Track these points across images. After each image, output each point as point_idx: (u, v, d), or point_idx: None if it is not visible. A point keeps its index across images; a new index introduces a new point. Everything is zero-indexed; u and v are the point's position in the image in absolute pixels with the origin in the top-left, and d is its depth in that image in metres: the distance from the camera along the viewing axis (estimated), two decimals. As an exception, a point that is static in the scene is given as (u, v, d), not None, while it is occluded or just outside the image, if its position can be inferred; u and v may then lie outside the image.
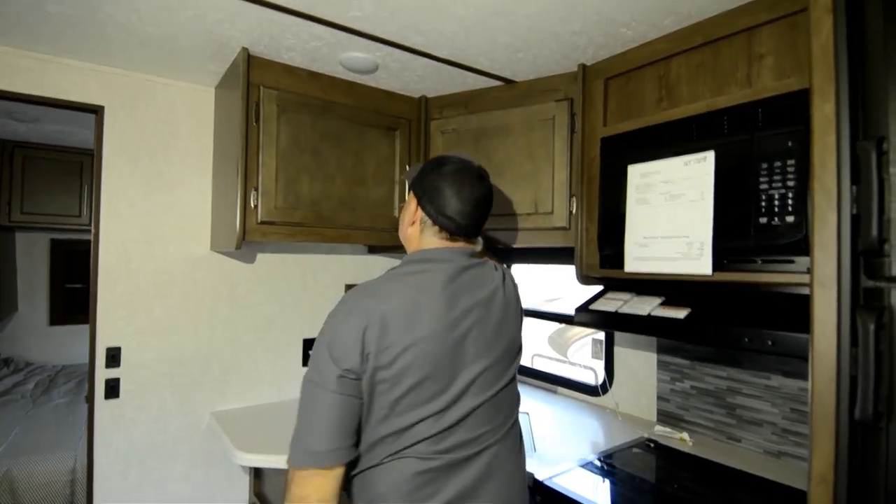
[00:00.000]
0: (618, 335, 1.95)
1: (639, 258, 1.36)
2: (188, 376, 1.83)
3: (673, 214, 1.27)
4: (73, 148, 3.03)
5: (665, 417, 1.78)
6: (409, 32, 1.38)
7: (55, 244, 3.67)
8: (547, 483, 1.31)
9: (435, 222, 1.02)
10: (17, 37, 1.45)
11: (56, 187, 3.05)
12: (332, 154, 1.70)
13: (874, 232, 0.65)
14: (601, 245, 1.49)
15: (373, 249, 2.24)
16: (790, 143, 1.05)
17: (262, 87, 1.56)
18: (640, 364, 1.85)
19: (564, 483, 1.31)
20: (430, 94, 1.89)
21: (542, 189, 1.67)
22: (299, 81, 1.64)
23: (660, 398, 1.80)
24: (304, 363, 2.09)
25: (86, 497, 1.70)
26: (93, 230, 1.69)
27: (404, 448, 0.89)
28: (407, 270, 0.99)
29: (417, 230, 1.05)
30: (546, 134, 1.66)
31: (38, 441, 2.32)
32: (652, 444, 1.60)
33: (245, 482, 1.96)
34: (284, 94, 1.60)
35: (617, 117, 1.49)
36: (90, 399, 1.68)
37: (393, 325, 0.88)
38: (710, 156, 1.20)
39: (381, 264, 2.27)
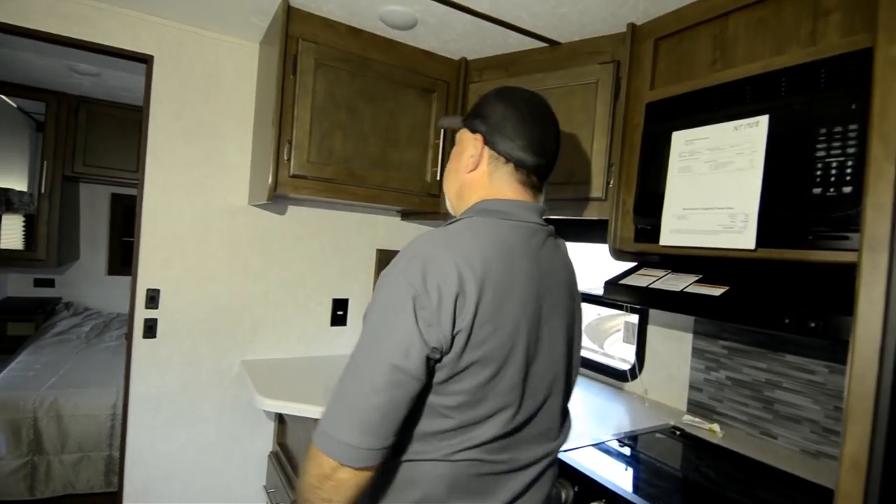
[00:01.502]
0: (652, 319, 1.86)
1: (676, 231, 1.28)
2: (221, 324, 1.90)
3: (717, 184, 1.18)
4: (132, 105, 3.17)
5: (695, 407, 1.68)
6: (447, -18, 1.34)
7: (115, 198, 3.90)
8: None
9: (510, 159, 0.85)
10: (75, -17, 1.51)
11: (116, 142, 3.22)
12: (366, 112, 1.69)
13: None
14: (637, 217, 1.41)
15: (405, 216, 2.23)
16: (853, 106, 0.93)
17: (300, 40, 1.56)
18: (673, 350, 1.76)
19: (575, 457, 1.26)
20: (471, 57, 1.83)
21: (579, 157, 1.59)
22: (338, 36, 1.63)
23: (692, 387, 1.71)
24: (333, 322, 2.13)
25: (121, 433, 1.80)
26: (139, 174, 1.76)
27: (472, 447, 0.75)
28: (487, 222, 0.81)
29: (484, 173, 0.88)
30: (588, 99, 1.57)
31: (86, 377, 2.50)
32: (678, 432, 1.52)
33: (270, 430, 2.03)
34: (322, 48, 1.60)
35: (665, 81, 1.39)
36: (129, 336, 1.77)
37: (490, 291, 0.72)
38: (763, 120, 1.09)
39: (413, 231, 2.26)
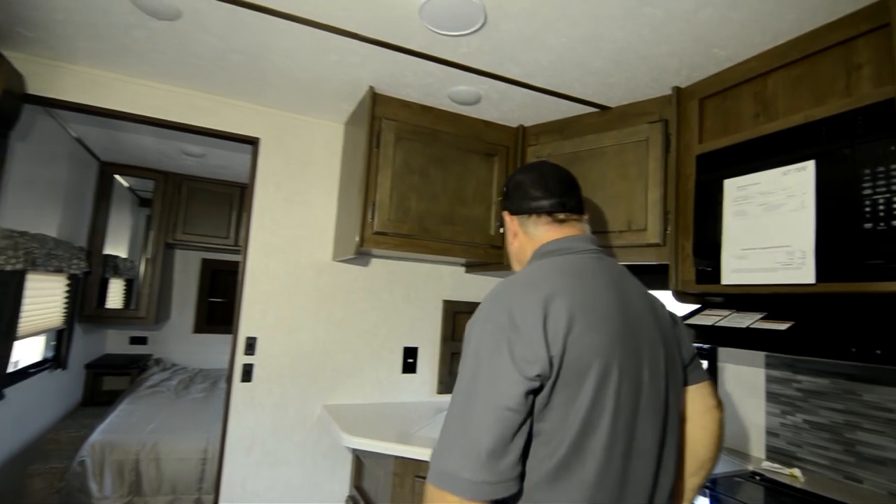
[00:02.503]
0: (722, 369, 1.86)
1: (737, 270, 1.35)
2: (306, 369, 2.08)
3: (772, 224, 1.27)
4: (226, 181, 3.63)
5: (774, 454, 1.65)
6: (508, 64, 1.56)
7: (205, 263, 4.33)
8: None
9: (536, 211, 0.98)
10: (200, 81, 1.87)
11: (210, 213, 3.66)
12: (437, 176, 1.91)
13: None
14: (697, 259, 1.50)
15: (469, 268, 2.39)
16: (893, 148, 1.03)
17: (382, 119, 1.83)
18: (745, 396, 1.76)
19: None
20: (528, 123, 2.05)
21: (636, 207, 1.72)
22: (413, 114, 1.90)
23: (769, 433, 1.68)
24: (404, 370, 2.26)
25: (216, 470, 1.97)
26: (244, 235, 2.04)
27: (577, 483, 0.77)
28: (552, 261, 0.91)
29: (525, 236, 1.01)
30: (640, 154, 1.72)
31: (180, 424, 2.73)
32: (758, 477, 1.50)
33: (347, 474, 2.13)
34: (401, 125, 1.86)
35: (712, 134, 1.52)
36: (228, 381, 1.98)
37: (575, 310, 0.78)
38: (809, 165, 1.19)
39: (476, 283, 2.41)
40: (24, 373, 2.44)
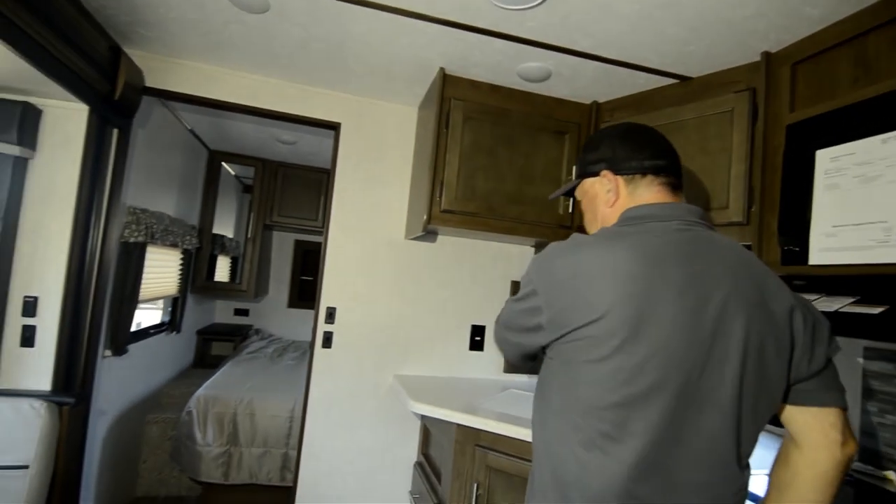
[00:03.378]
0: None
1: (826, 249, 1.24)
2: (380, 341, 2.22)
3: (868, 199, 1.14)
4: (315, 167, 3.90)
5: (869, 456, 1.49)
6: (577, 36, 1.53)
7: (297, 243, 4.69)
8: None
9: (646, 171, 0.90)
10: (288, 70, 2.03)
11: (301, 197, 3.96)
12: (504, 155, 1.92)
13: None
14: (783, 239, 1.38)
15: (538, 249, 2.38)
16: None
17: (452, 100, 1.87)
18: (839, 390, 1.59)
19: None
20: (601, 99, 1.99)
21: (717, 183, 1.61)
22: (482, 94, 1.92)
23: (863, 432, 1.52)
24: (471, 347, 2.32)
25: (299, 429, 2.17)
26: (326, 215, 2.21)
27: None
28: (628, 230, 0.85)
29: (625, 196, 0.92)
30: (722, 127, 1.61)
31: (272, 386, 3.01)
32: (847, 478, 1.37)
33: (415, 441, 2.24)
34: (469, 105, 1.89)
35: (805, 102, 1.39)
36: (311, 345, 2.16)
37: (620, 299, 0.76)
38: (915, 129, 1.06)
39: (547, 264, 2.40)
40: (146, 333, 2.83)
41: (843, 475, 0.84)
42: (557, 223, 1.97)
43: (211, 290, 3.89)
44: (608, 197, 0.94)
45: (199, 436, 2.63)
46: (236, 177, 4.30)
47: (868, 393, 1.52)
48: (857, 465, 1.45)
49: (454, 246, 2.32)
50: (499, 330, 1.01)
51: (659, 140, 0.95)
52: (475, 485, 1.65)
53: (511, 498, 1.63)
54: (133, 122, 1.98)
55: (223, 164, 3.79)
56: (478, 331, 2.33)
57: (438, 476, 1.90)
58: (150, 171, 2.54)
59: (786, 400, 0.85)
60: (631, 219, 0.88)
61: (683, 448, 0.77)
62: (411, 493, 2.12)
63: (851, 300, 1.21)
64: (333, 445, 2.15)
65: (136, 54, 1.92)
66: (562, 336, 0.81)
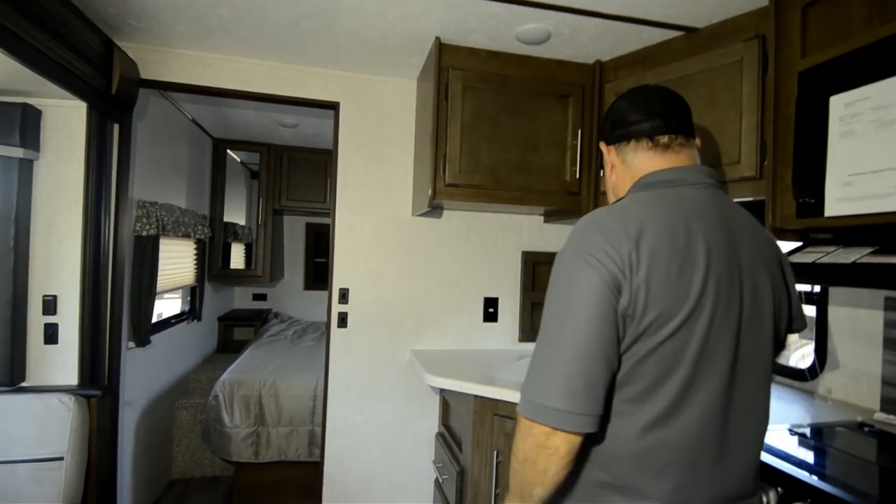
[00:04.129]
0: (834, 311, 1.67)
1: (842, 199, 1.20)
2: (394, 317, 2.23)
3: (885, 144, 1.09)
4: (319, 149, 3.87)
5: (891, 405, 1.47)
6: (575, -6, 1.47)
7: (308, 227, 4.72)
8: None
9: (633, 136, 0.89)
10: (281, 52, 1.99)
11: (309, 180, 3.95)
12: (507, 123, 1.88)
13: None
14: (797, 191, 1.34)
15: (548, 218, 2.36)
16: None
17: (450, 70, 1.83)
18: (860, 343, 1.57)
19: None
20: (605, 58, 1.92)
21: (728, 137, 1.56)
22: (480, 61, 1.87)
23: (885, 383, 1.50)
24: (485, 319, 2.33)
25: (322, 407, 2.22)
26: (331, 196, 2.20)
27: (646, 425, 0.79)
28: (648, 195, 0.83)
29: (623, 166, 0.92)
30: (732, 78, 1.55)
31: (294, 367, 3.08)
32: (867, 429, 1.36)
33: (436, 412, 2.28)
34: (468, 74, 1.84)
35: (817, 47, 1.32)
36: (327, 327, 2.19)
37: (655, 257, 0.74)
38: (935, 66, 1.00)
39: (556, 232, 2.37)
40: (167, 323, 2.90)
41: None
42: (565, 190, 1.94)
43: (227, 277, 3.95)
44: (608, 168, 0.97)
45: (226, 418, 2.71)
46: (243, 164, 4.30)
47: (890, 343, 1.50)
48: (878, 415, 1.44)
49: (462, 219, 2.30)
50: None
51: (649, 100, 0.91)
52: (495, 452, 1.68)
53: (531, 464, 1.66)
54: (133, 116, 1.98)
55: (228, 151, 3.79)
56: (491, 302, 2.34)
57: (459, 445, 1.94)
58: (155, 163, 2.55)
59: None
60: (638, 186, 0.88)
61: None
62: (434, 462, 2.17)
63: (870, 250, 1.17)
64: (356, 420, 2.20)
65: (128, 47, 1.90)
66: None
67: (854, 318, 1.60)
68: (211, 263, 3.68)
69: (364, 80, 2.20)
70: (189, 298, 3.35)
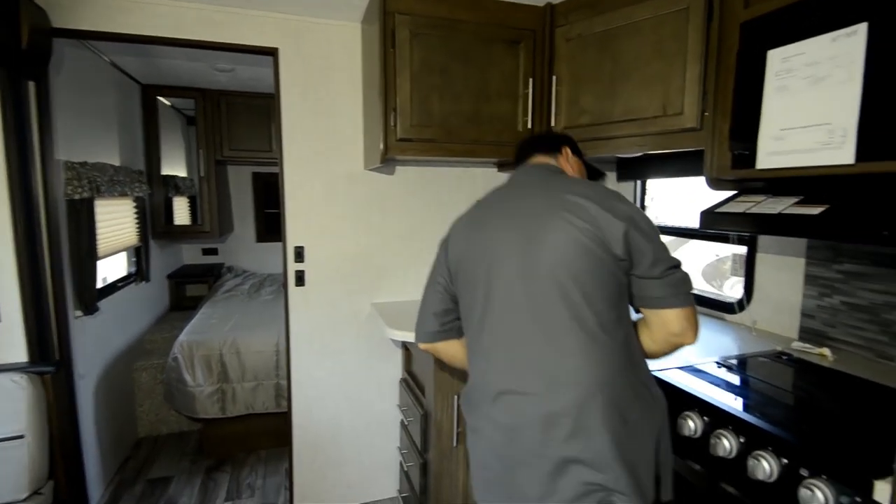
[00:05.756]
0: (763, 249, 1.82)
1: (773, 153, 1.27)
2: (352, 272, 2.24)
3: (815, 100, 1.15)
4: (260, 93, 3.64)
5: (807, 335, 1.66)
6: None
7: (256, 176, 4.52)
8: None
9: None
10: (216, -4, 1.83)
11: (252, 127, 3.74)
12: (458, 72, 1.83)
13: None
14: (734, 143, 1.40)
15: (502, 167, 2.37)
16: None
17: (396, 14, 1.73)
18: (784, 280, 1.73)
19: (670, 377, 1.36)
20: (555, 1, 1.87)
21: (673, 89, 1.59)
22: (428, 4, 1.77)
23: (804, 314, 1.68)
24: (443, 269, 2.37)
25: (286, 362, 2.25)
26: (277, 150, 2.11)
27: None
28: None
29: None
30: (679, 26, 1.56)
31: (254, 322, 3.07)
32: (785, 357, 1.53)
33: (398, 359, 2.37)
34: (416, 19, 1.75)
35: (759, -2, 1.34)
36: (285, 286, 2.18)
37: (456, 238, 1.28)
38: (861, 28, 1.05)
39: (511, 180, 2.40)
40: (114, 287, 2.79)
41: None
42: (518, 140, 1.93)
43: (173, 234, 3.79)
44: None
45: (188, 378, 2.71)
46: (175, 109, 3.99)
47: (810, 280, 1.66)
48: (795, 344, 1.62)
49: (416, 171, 2.28)
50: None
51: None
52: (455, 396, 1.79)
53: (490, 405, 1.78)
54: (49, 70, 1.78)
55: (159, 98, 3.50)
56: (448, 252, 2.37)
57: (422, 390, 2.04)
58: (81, 119, 2.33)
59: None
60: None
61: None
62: (399, 406, 2.29)
63: (794, 201, 1.27)
64: (319, 374, 2.26)
65: (30, -11, 1.68)
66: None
67: (781, 257, 1.74)
68: (154, 221, 3.51)
69: (304, 22, 2.06)
70: (135, 259, 3.21)
